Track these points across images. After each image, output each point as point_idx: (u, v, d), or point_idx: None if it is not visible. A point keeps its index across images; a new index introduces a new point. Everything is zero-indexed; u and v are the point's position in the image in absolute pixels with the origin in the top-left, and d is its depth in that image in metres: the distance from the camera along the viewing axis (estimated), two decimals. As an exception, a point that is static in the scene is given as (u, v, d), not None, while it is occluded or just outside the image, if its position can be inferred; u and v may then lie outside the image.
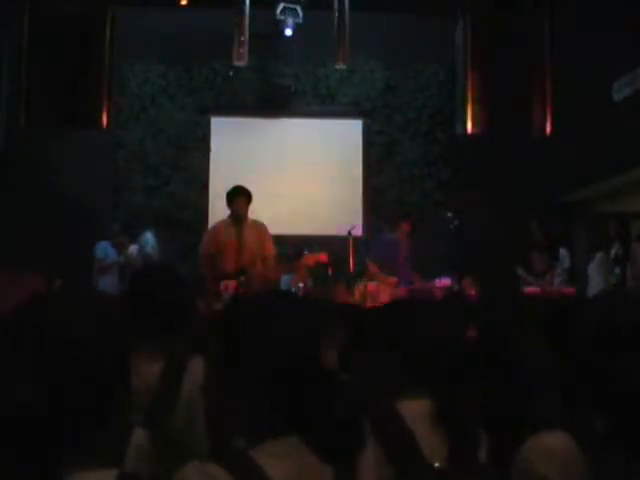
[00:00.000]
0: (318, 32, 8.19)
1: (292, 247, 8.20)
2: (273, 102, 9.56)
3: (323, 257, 6.25)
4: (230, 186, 6.21)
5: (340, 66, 8.18)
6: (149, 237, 8.08)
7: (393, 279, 7.12)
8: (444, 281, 6.98)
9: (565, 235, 8.34)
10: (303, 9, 8.05)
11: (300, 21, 8.16)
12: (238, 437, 1.40)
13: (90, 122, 8.06)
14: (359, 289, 7.03)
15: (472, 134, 8.52)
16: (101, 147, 8.94)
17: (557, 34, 8.09)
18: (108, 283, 7.49)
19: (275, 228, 9.03)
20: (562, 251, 7.66)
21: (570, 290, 7.01)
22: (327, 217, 9.35)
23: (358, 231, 8.70)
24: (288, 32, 8.36)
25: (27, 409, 1.11)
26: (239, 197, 6.08)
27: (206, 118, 9.61)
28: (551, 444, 1.42)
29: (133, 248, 7.87)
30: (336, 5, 7.85)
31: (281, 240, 8.68)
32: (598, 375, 1.47)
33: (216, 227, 6.39)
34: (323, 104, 9.69)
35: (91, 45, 7.88)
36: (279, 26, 8.31)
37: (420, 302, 2.15)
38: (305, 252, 7.15)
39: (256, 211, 6.38)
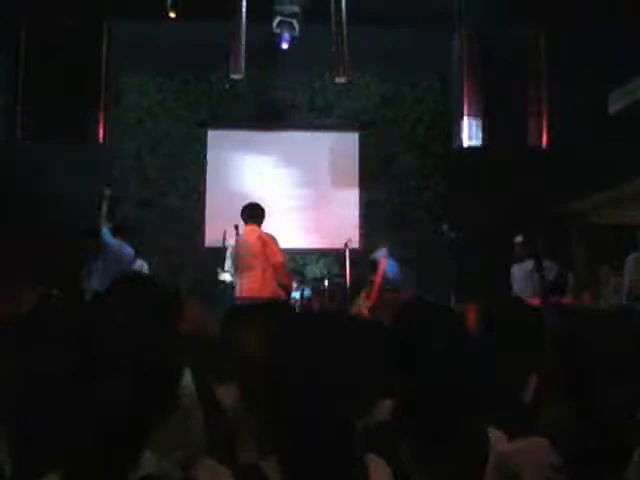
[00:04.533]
0: (315, 45, 8.19)
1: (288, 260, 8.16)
2: (270, 115, 9.57)
3: None
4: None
5: (339, 80, 8.17)
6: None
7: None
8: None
9: (561, 247, 8.33)
10: (300, 22, 8.04)
11: (297, 34, 8.15)
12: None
13: (86, 135, 8.03)
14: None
15: (468, 147, 8.52)
16: (97, 160, 8.91)
17: (553, 46, 8.12)
18: None
19: (272, 240, 9.06)
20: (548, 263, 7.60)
21: (567, 301, 7.00)
22: (324, 230, 9.34)
23: (355, 244, 8.69)
24: (285, 45, 8.37)
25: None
26: None
27: (203, 131, 9.62)
28: (527, 446, 1.43)
29: (140, 263, 7.70)
30: (333, 18, 7.85)
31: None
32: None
33: None
34: (320, 117, 9.71)
35: (87, 57, 7.86)
36: (276, 39, 8.31)
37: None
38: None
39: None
